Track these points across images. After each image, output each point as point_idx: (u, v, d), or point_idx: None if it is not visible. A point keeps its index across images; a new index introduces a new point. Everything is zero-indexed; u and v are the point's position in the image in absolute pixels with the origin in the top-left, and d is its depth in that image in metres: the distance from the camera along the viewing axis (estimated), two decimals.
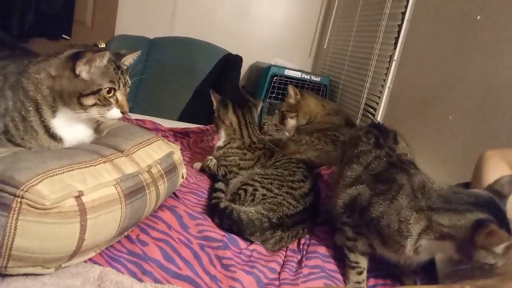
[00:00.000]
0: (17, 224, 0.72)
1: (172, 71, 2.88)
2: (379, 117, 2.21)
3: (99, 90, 0.94)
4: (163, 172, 1.09)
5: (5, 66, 0.98)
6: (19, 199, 0.73)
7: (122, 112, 1.00)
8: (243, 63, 2.95)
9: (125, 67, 1.04)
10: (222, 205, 1.26)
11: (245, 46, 3.23)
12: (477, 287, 0.89)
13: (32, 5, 2.68)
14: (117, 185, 0.90)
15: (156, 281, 0.92)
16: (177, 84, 2.85)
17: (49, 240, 0.76)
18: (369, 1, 2.65)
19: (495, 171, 1.09)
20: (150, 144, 1.13)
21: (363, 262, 1.13)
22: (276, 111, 2.69)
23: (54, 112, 0.95)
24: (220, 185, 1.42)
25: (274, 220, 1.21)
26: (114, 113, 0.98)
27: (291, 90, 2.22)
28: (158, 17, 3.20)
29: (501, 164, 1.11)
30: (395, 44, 2.17)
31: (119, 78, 0.98)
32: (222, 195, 1.36)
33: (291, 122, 2.25)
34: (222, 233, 1.19)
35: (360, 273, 1.12)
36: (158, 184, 1.05)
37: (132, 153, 1.04)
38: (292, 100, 2.23)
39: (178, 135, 2.10)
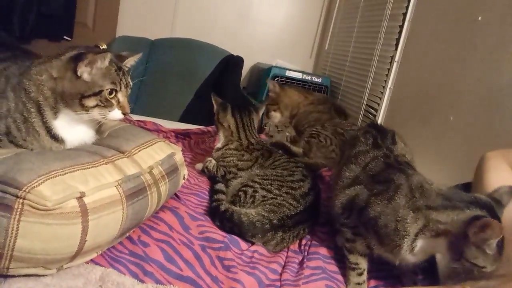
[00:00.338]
0: (19, 225, 0.72)
1: (173, 72, 2.88)
2: (380, 118, 2.21)
3: (100, 92, 0.94)
4: (164, 173, 1.09)
5: (7, 67, 0.98)
6: (21, 200, 0.73)
7: (124, 113, 1.00)
8: (244, 64, 2.95)
9: (126, 69, 1.04)
10: (222, 207, 1.26)
11: (246, 47, 3.23)
12: None
13: (33, 6, 2.69)
14: (119, 186, 0.91)
15: (158, 282, 0.93)
16: (178, 85, 2.85)
17: (51, 241, 0.76)
18: (370, 2, 2.66)
19: (497, 172, 1.09)
20: (152, 145, 1.13)
21: (363, 263, 1.13)
22: None
23: (55, 113, 0.95)
24: (220, 186, 1.42)
25: (275, 221, 1.21)
26: (116, 114, 0.99)
27: (270, 84, 2.41)
28: (159, 18, 3.20)
29: (502, 165, 1.11)
30: (396, 45, 2.17)
31: (121, 80, 0.98)
32: (222, 196, 1.36)
33: (275, 115, 2.42)
34: (224, 234, 1.19)
35: (360, 274, 1.12)
36: (160, 185, 1.05)
37: (134, 154, 1.04)
38: (272, 94, 2.37)
39: (179, 136, 2.10)
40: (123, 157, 1.00)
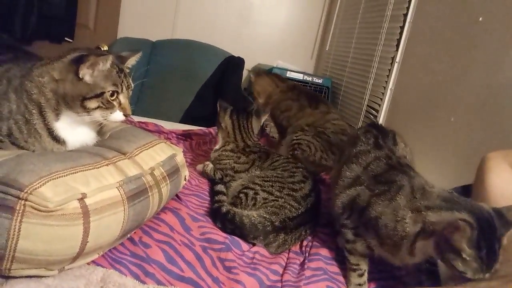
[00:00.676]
0: (21, 227, 0.73)
1: (174, 73, 2.89)
2: (381, 119, 2.21)
3: (102, 93, 0.94)
4: (165, 175, 1.10)
5: (8, 69, 0.98)
6: (22, 202, 0.74)
7: (125, 115, 1.00)
8: (245, 65, 2.95)
9: (127, 70, 1.04)
10: (224, 209, 1.26)
11: (247, 48, 3.24)
12: None
13: (35, 8, 2.70)
14: (120, 187, 0.91)
15: (159, 283, 0.93)
16: (179, 86, 2.86)
17: (53, 242, 0.76)
18: (371, 3, 2.66)
19: (498, 173, 1.09)
20: (153, 146, 1.13)
21: (364, 264, 1.13)
22: None
23: (57, 115, 0.95)
24: (219, 187, 1.42)
25: (276, 223, 1.21)
26: (117, 116, 0.99)
27: (249, 72, 2.44)
28: (160, 19, 3.21)
29: (503, 165, 1.11)
30: (397, 46, 2.17)
31: (122, 81, 0.98)
32: (223, 197, 1.36)
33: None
34: (225, 235, 1.19)
35: (361, 275, 1.12)
36: (161, 186, 1.06)
37: (135, 156, 1.04)
38: (252, 81, 2.36)
39: (180, 137, 2.10)
40: (125, 159, 1.01)
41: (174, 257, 1.01)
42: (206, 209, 1.35)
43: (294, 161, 1.52)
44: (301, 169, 1.43)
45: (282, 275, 1.11)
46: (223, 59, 2.92)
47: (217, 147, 1.65)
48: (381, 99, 2.25)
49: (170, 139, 2.02)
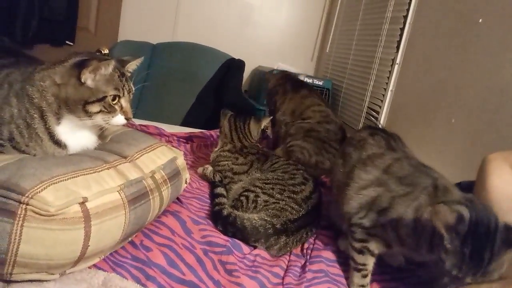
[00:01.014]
0: (22, 231, 0.73)
1: (175, 76, 2.89)
2: (382, 121, 2.21)
3: (104, 98, 0.95)
4: (166, 178, 1.10)
5: (9, 73, 0.99)
6: (24, 206, 0.74)
7: (127, 119, 1.01)
8: (245, 67, 2.96)
9: (129, 74, 1.05)
10: (225, 212, 1.26)
11: (247, 50, 3.24)
12: None
13: (35, 11, 2.70)
14: (121, 191, 0.91)
15: (160, 286, 0.93)
16: (180, 89, 2.86)
17: (54, 246, 0.76)
18: (371, 5, 2.66)
19: (499, 174, 1.08)
20: (154, 149, 1.13)
21: (370, 265, 1.12)
22: None
23: (58, 119, 0.95)
24: (219, 190, 1.42)
25: (278, 226, 1.21)
26: (119, 119, 0.99)
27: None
28: (161, 22, 3.22)
29: (504, 167, 1.10)
30: (397, 47, 2.17)
31: (124, 85, 0.99)
32: (224, 200, 1.36)
33: None
34: (226, 238, 1.19)
35: (365, 276, 1.11)
36: (162, 189, 1.06)
37: (136, 159, 1.04)
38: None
39: (181, 140, 2.10)
40: (125, 162, 1.01)
41: (175, 260, 1.01)
42: (207, 212, 1.35)
43: (294, 163, 1.52)
44: (301, 171, 1.43)
45: (283, 278, 1.11)
46: (224, 62, 2.93)
47: (216, 149, 1.68)
48: (382, 101, 2.25)
49: (171, 142, 2.02)
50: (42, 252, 0.75)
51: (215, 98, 2.83)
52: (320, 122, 1.90)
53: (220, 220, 1.25)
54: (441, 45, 1.87)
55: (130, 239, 1.02)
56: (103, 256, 0.93)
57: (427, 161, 1.21)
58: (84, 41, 2.93)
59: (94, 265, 0.92)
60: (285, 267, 1.17)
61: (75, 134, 1.00)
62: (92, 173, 0.89)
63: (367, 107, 2.41)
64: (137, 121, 2.11)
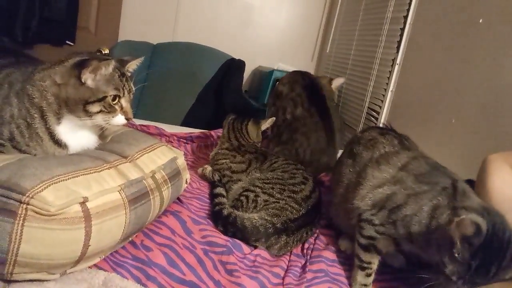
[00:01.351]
0: (23, 231, 0.73)
1: (175, 76, 2.89)
2: (382, 121, 2.21)
3: (104, 98, 0.95)
4: (167, 178, 1.10)
5: (10, 73, 0.99)
6: (24, 206, 0.74)
7: (127, 119, 1.01)
8: (246, 67, 2.96)
9: (129, 74, 1.05)
10: (225, 212, 1.26)
11: (247, 50, 3.24)
12: None
13: (36, 12, 2.71)
14: (122, 191, 0.91)
15: (161, 286, 0.93)
16: (180, 89, 2.86)
17: (55, 246, 0.76)
18: (371, 5, 2.66)
19: (499, 174, 1.08)
20: (154, 149, 1.13)
21: (375, 263, 1.11)
22: None
23: (59, 119, 0.95)
24: (219, 189, 1.42)
25: (278, 225, 1.21)
26: (119, 119, 0.99)
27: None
28: (161, 22, 3.22)
29: (505, 167, 1.10)
30: (398, 48, 2.18)
31: (124, 85, 0.99)
32: (223, 200, 1.36)
33: None
34: (226, 238, 1.19)
35: (369, 275, 1.11)
36: (162, 189, 1.06)
37: (136, 159, 1.04)
38: None
39: (181, 140, 2.10)
40: (126, 162, 1.01)
41: (175, 260, 1.01)
42: (207, 212, 1.35)
43: (294, 162, 1.53)
44: (301, 171, 1.43)
45: (283, 278, 1.11)
46: (224, 62, 2.93)
47: (215, 148, 1.70)
48: (382, 101, 2.25)
49: (172, 142, 2.02)
50: (43, 251, 0.75)
51: (215, 98, 2.83)
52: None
53: (221, 220, 1.25)
54: (441, 45, 1.87)
55: (130, 239, 1.02)
56: (103, 256, 0.93)
57: None
58: (84, 41, 2.94)
59: (95, 265, 0.92)
60: (285, 267, 1.17)
61: (76, 134, 1.00)
62: (92, 173, 0.89)
63: (368, 107, 2.41)
64: (138, 121, 2.11)
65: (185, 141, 2.10)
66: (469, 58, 1.66)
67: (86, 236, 0.79)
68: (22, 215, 0.73)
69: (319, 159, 1.82)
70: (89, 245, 0.81)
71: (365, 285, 1.11)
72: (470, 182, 1.16)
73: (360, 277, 1.11)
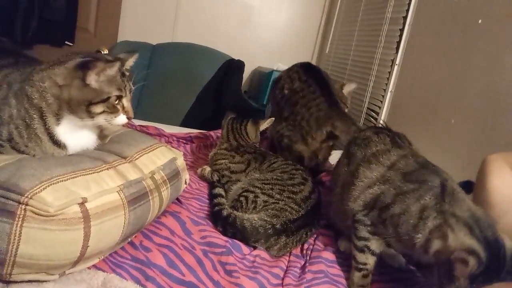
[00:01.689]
0: (22, 231, 0.73)
1: (174, 77, 2.89)
2: (381, 122, 2.21)
3: (108, 98, 0.95)
4: (166, 178, 1.10)
5: (9, 74, 0.98)
6: (23, 206, 0.74)
7: (128, 118, 1.01)
8: (245, 68, 2.96)
9: (127, 73, 1.05)
10: (225, 212, 1.26)
11: (247, 51, 3.25)
12: None
13: (35, 12, 2.71)
14: (121, 191, 0.91)
15: (160, 287, 0.93)
16: (179, 89, 2.86)
17: (54, 246, 0.76)
18: (370, 5, 2.66)
19: (499, 175, 1.08)
20: (153, 150, 1.13)
21: (371, 264, 1.11)
22: None
23: (58, 119, 0.95)
24: (218, 190, 1.42)
25: (278, 226, 1.21)
26: (121, 119, 1.00)
27: None
28: (160, 23, 3.22)
29: (504, 168, 1.10)
30: (397, 48, 2.18)
31: (125, 85, 0.99)
32: (223, 200, 1.36)
33: None
34: (225, 238, 1.19)
35: (365, 276, 1.11)
36: (161, 190, 1.06)
37: (135, 160, 1.04)
38: None
39: (181, 141, 2.10)
40: (125, 162, 1.01)
41: (174, 261, 1.01)
42: (206, 212, 1.35)
43: (293, 163, 1.52)
44: (300, 171, 1.43)
45: (283, 279, 1.11)
46: (223, 62, 2.93)
47: (214, 149, 1.70)
48: (381, 101, 2.25)
49: (171, 142, 2.02)
50: (42, 252, 0.75)
51: (215, 98, 2.83)
52: None
53: (220, 220, 1.25)
54: (441, 45, 1.87)
55: (129, 239, 1.02)
56: (102, 257, 0.93)
57: None
58: (83, 42, 2.93)
59: (94, 266, 0.91)
60: (284, 267, 1.17)
61: (75, 135, 1.00)
62: (91, 173, 0.89)
63: (367, 108, 2.41)
64: (137, 122, 2.11)
65: (184, 141, 2.10)
66: (468, 59, 1.66)
67: (85, 236, 0.79)
68: (21, 216, 0.73)
69: (329, 123, 1.70)
70: (88, 246, 0.80)
71: (362, 286, 1.10)
72: (469, 183, 1.16)
73: (356, 278, 1.11)
